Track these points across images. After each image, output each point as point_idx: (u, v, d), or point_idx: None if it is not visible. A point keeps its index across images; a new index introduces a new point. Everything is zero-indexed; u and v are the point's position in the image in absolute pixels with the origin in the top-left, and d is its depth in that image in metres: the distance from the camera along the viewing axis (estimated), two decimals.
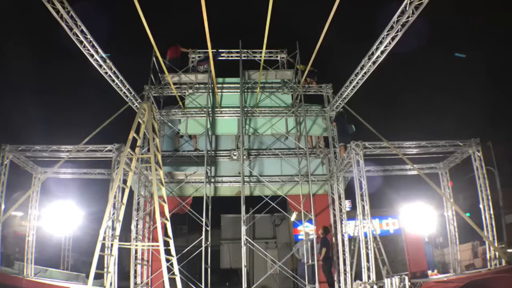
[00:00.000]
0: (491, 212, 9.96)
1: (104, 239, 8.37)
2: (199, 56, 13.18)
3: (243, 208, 10.10)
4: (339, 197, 11.11)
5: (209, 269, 9.82)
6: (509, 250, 11.94)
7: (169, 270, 8.23)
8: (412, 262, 10.65)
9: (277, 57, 13.42)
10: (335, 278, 10.54)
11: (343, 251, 10.57)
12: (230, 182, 11.66)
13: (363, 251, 8.93)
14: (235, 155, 11.77)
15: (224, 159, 12.00)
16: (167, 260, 8.23)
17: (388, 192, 18.01)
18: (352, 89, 10.51)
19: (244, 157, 11.06)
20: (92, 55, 8.65)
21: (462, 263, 12.74)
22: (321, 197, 11.58)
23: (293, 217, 17.45)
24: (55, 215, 13.48)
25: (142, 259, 10.61)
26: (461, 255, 12.72)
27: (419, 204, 12.91)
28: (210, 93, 11.79)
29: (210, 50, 9.73)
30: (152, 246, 9.77)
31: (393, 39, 8.03)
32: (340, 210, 10.97)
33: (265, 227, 20.25)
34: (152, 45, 8.84)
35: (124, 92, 10.62)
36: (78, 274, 13.43)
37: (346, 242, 10.62)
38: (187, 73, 12.20)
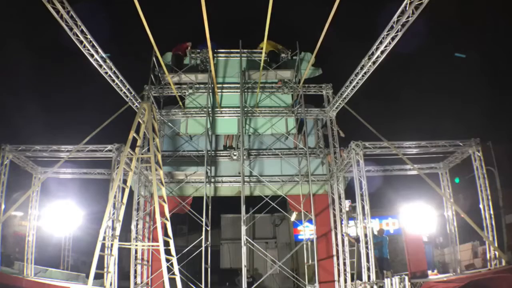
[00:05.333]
0: (491, 212, 9.96)
1: (104, 239, 8.38)
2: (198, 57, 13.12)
3: (243, 208, 10.10)
4: (339, 197, 11.11)
5: (209, 269, 9.82)
6: None
7: (169, 270, 8.23)
8: (412, 262, 10.65)
9: None
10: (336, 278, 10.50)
11: (343, 251, 10.57)
12: (230, 182, 11.66)
13: (363, 251, 8.93)
14: (235, 155, 11.77)
15: (224, 159, 12.00)
16: (167, 260, 8.23)
17: (388, 192, 17.98)
18: (352, 89, 10.51)
19: (244, 157, 11.06)
20: (92, 55, 8.65)
21: (462, 263, 12.73)
22: (321, 197, 11.57)
23: (293, 217, 17.45)
24: (55, 215, 13.48)
25: (142, 259, 10.61)
26: (461, 255, 12.72)
27: (419, 204, 12.90)
28: (210, 93, 11.80)
29: (210, 50, 9.74)
30: (152, 246, 9.77)
31: (393, 39, 8.03)
32: (340, 210, 10.97)
33: (265, 227, 20.26)
34: (152, 45, 8.85)
35: (124, 92, 10.62)
36: (78, 274, 13.43)
37: (346, 242, 10.61)
38: (187, 73, 12.20)
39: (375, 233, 11.43)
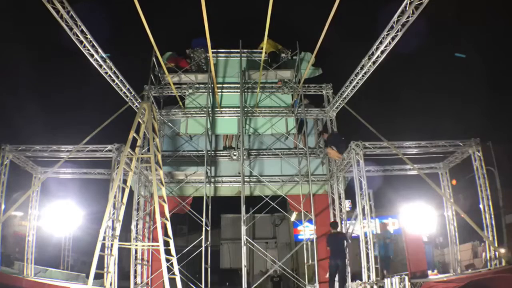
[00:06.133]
0: (491, 212, 9.96)
1: (104, 239, 8.37)
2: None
3: (243, 208, 10.10)
4: (339, 197, 11.11)
5: (209, 269, 9.82)
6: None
7: (169, 270, 8.23)
8: (412, 262, 10.62)
9: None
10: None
11: None
12: (230, 182, 11.66)
13: (363, 251, 8.93)
14: (235, 155, 11.77)
15: (224, 159, 12.00)
16: (167, 260, 8.23)
17: (388, 192, 17.97)
18: (352, 89, 10.51)
19: (244, 157, 11.06)
20: (92, 55, 8.66)
21: (462, 263, 12.73)
22: (321, 197, 11.58)
23: (293, 217, 17.46)
24: (55, 215, 13.47)
25: (142, 259, 10.61)
26: (461, 255, 12.70)
27: (419, 204, 12.89)
28: (210, 93, 11.79)
29: (210, 50, 9.73)
30: (152, 246, 9.77)
31: (393, 39, 8.04)
32: (340, 210, 10.97)
33: (265, 227, 20.27)
34: (152, 45, 8.85)
35: (124, 92, 10.62)
36: (78, 274, 13.42)
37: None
38: (187, 73, 12.20)
39: (379, 231, 11.05)
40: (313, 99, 12.78)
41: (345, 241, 9.74)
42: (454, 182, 12.33)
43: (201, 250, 9.60)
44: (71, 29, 7.76)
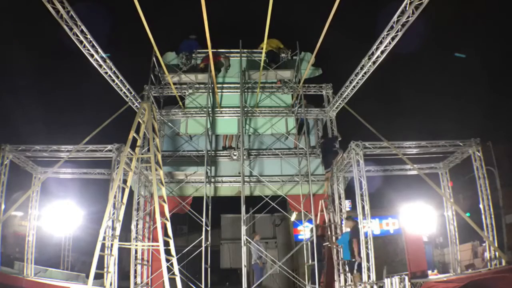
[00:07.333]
0: (491, 212, 9.96)
1: (104, 239, 8.37)
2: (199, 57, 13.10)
3: (243, 208, 10.09)
4: (339, 197, 11.11)
5: (209, 269, 9.82)
6: None
7: (169, 270, 8.23)
8: (412, 262, 10.61)
9: None
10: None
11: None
12: (230, 182, 11.65)
13: (363, 251, 8.94)
14: (235, 155, 11.76)
15: (224, 159, 12.00)
16: (167, 260, 8.23)
17: (388, 192, 18.00)
18: (352, 89, 10.51)
19: (244, 157, 11.05)
20: (92, 55, 8.65)
21: (462, 263, 12.74)
22: (321, 197, 11.55)
23: (293, 217, 17.45)
24: (55, 215, 13.46)
25: (142, 259, 10.61)
26: (461, 255, 12.72)
27: (419, 204, 12.89)
28: (210, 93, 11.79)
29: (210, 50, 9.73)
30: (152, 246, 9.77)
31: (393, 39, 8.04)
32: (340, 210, 10.97)
33: (265, 227, 20.24)
34: (152, 45, 8.85)
35: (124, 92, 10.62)
36: (78, 274, 13.42)
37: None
38: (187, 73, 12.20)
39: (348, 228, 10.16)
40: (313, 99, 12.79)
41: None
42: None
43: (201, 250, 9.59)
44: (71, 29, 7.76)
